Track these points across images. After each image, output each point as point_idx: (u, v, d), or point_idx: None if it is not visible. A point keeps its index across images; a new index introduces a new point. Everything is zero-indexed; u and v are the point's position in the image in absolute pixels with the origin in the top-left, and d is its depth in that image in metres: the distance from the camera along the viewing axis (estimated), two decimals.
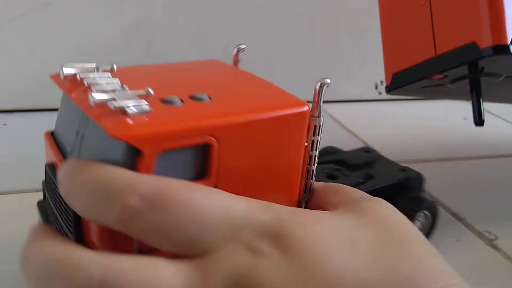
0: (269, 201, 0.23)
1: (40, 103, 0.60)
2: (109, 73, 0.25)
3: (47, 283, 0.20)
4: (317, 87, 0.26)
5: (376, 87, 0.75)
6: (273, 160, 0.25)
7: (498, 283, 0.37)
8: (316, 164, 0.27)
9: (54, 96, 0.25)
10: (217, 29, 0.66)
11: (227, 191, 0.22)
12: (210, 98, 0.25)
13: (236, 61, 0.31)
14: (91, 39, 0.61)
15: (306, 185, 0.27)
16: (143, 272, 0.19)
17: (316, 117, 0.26)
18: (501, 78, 0.38)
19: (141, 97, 0.22)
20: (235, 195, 0.22)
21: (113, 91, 0.23)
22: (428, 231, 0.38)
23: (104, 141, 0.22)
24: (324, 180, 0.36)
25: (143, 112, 0.22)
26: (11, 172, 0.46)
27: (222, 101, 0.25)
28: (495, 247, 0.41)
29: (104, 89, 0.23)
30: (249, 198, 0.22)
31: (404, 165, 0.41)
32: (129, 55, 0.63)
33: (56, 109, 0.28)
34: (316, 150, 0.26)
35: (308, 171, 0.27)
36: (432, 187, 0.37)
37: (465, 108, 0.75)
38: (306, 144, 0.26)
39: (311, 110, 0.26)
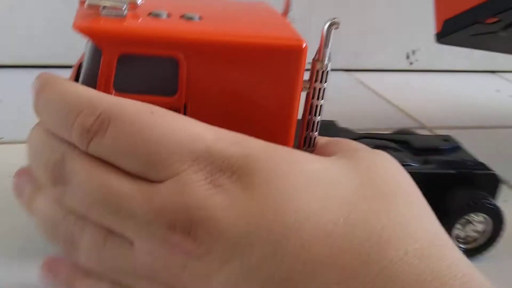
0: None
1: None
2: None
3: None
4: (325, 28, 0.23)
5: (408, 57, 0.74)
6: (257, 95, 0.23)
7: None
8: (320, 116, 0.24)
9: None
10: None
11: (199, 117, 0.21)
12: (200, 19, 0.23)
13: (287, 7, 0.28)
14: None
15: (306, 137, 0.25)
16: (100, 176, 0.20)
17: (321, 61, 0.23)
18: None
19: (130, 5, 0.23)
20: (203, 123, 0.21)
21: None
22: (488, 239, 0.33)
23: (88, 46, 0.23)
24: None
25: (117, 16, 0.22)
26: None
27: (210, 22, 0.23)
28: None
29: None
30: (219, 128, 0.21)
31: (445, 132, 0.38)
32: None
33: None
34: (320, 99, 0.24)
35: (308, 122, 0.24)
36: (472, 152, 0.36)
37: (496, 81, 0.75)
38: (307, 90, 0.24)
39: (316, 53, 0.23)
